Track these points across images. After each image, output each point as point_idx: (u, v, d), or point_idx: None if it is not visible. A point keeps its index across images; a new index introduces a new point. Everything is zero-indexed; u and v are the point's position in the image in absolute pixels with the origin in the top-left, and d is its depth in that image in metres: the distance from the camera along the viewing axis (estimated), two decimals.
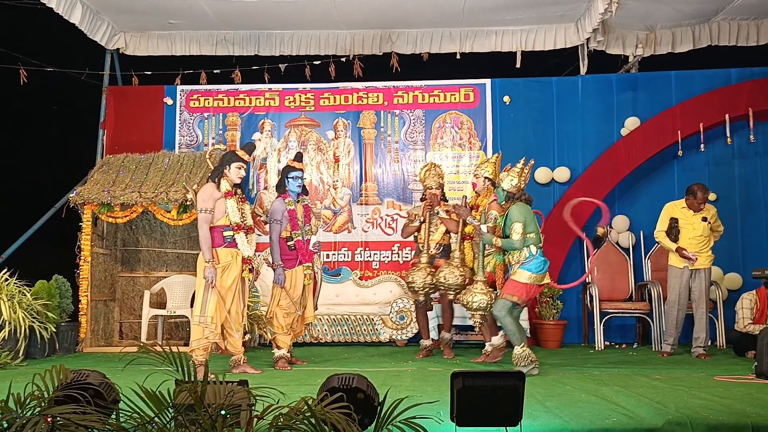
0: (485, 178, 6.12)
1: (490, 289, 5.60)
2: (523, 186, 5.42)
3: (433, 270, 6.26)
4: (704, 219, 6.46)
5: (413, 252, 7.43)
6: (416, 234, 6.55)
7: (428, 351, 6.52)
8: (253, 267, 5.51)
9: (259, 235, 7.95)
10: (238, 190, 5.49)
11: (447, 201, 6.62)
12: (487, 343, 6.10)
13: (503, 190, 5.42)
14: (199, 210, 5.28)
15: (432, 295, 6.46)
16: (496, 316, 5.33)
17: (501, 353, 6.00)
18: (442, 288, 6.13)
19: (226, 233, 5.30)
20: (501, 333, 6.01)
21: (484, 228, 5.57)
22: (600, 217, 7.35)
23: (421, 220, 6.46)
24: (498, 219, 5.51)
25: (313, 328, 7.38)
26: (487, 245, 5.70)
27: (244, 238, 5.38)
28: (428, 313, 6.66)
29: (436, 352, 6.65)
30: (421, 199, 6.69)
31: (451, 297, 6.23)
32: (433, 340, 6.69)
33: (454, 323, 6.98)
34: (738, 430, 3.22)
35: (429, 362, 6.08)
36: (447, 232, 6.46)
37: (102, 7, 7.94)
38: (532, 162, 5.59)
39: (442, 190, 6.55)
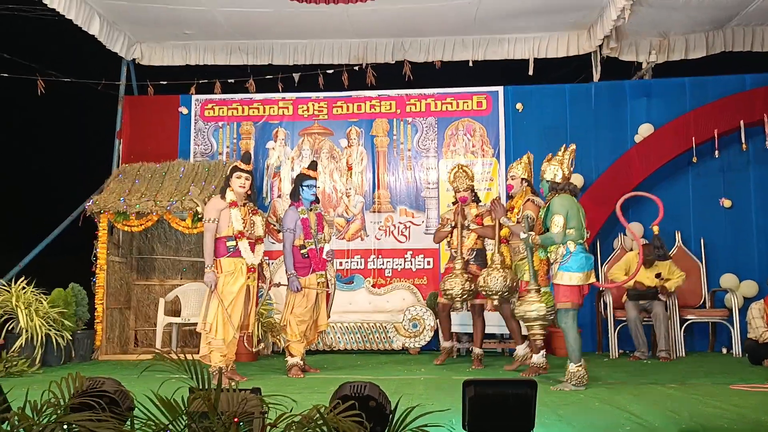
0: (522, 179, 5.93)
1: (547, 291, 5.31)
2: (567, 174, 5.13)
3: (470, 276, 6.06)
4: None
5: (430, 260, 7.44)
6: (448, 239, 6.38)
7: (448, 353, 6.43)
8: (260, 273, 5.66)
9: (273, 242, 8.00)
10: (249, 203, 5.69)
11: (479, 202, 6.44)
12: (534, 356, 5.69)
13: (546, 181, 5.14)
14: (205, 220, 5.58)
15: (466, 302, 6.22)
16: (562, 328, 4.98)
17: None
18: (485, 293, 5.86)
19: (229, 243, 5.48)
20: (525, 344, 5.94)
21: (517, 229, 5.35)
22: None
23: (453, 225, 6.27)
24: (540, 212, 5.22)
25: (326, 336, 7.39)
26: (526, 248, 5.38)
27: (247, 246, 5.53)
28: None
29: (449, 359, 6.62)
30: (453, 203, 6.51)
31: (495, 303, 5.97)
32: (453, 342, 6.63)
33: (464, 332, 6.97)
34: None
35: (441, 370, 6.08)
36: (480, 237, 6.27)
37: (119, 18, 8.04)
38: (573, 147, 5.30)
39: (473, 191, 6.36)
